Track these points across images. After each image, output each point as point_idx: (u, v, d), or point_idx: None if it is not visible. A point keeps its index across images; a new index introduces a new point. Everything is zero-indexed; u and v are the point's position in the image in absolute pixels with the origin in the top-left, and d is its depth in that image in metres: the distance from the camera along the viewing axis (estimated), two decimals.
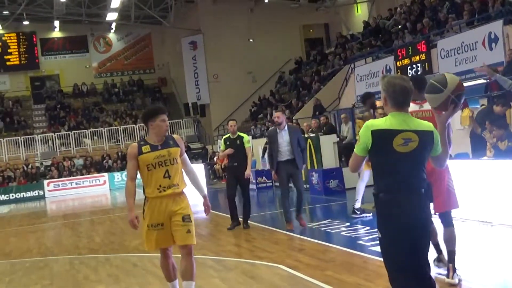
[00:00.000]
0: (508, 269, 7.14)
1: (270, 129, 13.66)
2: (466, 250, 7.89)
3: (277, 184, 20.16)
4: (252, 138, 25.38)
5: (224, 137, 12.34)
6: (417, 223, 4.31)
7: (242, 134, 12.12)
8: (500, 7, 17.70)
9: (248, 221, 12.08)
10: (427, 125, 4.40)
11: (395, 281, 4.38)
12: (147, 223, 6.22)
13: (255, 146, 23.57)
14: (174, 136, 6.46)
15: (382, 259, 4.50)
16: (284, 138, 11.20)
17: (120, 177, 30.83)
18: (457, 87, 4.80)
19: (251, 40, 34.30)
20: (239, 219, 12.07)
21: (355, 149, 4.45)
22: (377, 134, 4.28)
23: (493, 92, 13.88)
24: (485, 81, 15.66)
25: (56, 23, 38.30)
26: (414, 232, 4.30)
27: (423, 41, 20.13)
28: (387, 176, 4.33)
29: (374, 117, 8.45)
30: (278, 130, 11.30)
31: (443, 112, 4.76)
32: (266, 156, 12.40)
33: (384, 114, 4.56)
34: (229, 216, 12.19)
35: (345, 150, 17.28)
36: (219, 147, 12.65)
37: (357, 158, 4.45)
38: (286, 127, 11.36)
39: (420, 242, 4.35)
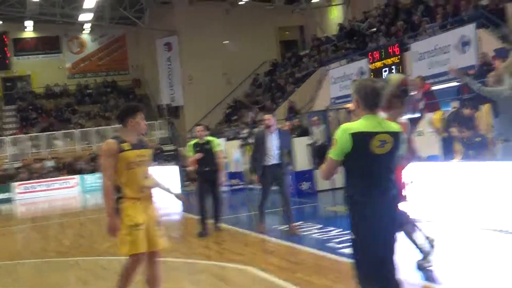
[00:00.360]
0: (479, 271, 7.13)
1: (257, 130, 13.45)
2: (436, 252, 7.87)
3: (252, 186, 20.11)
4: (227, 140, 25.36)
5: (191, 142, 11.99)
6: (389, 223, 4.39)
7: (211, 138, 11.89)
8: (472, 11, 17.81)
9: (220, 223, 11.93)
10: (396, 126, 4.50)
11: (365, 281, 4.40)
12: (130, 224, 5.80)
13: (229, 148, 23.51)
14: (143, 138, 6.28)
15: (352, 261, 4.49)
16: (273, 142, 10.86)
17: (91, 179, 30.46)
18: (400, 83, 4.91)
19: (226, 42, 34.21)
20: (210, 221, 11.90)
21: (330, 154, 4.40)
22: (356, 137, 4.29)
23: (465, 95, 13.95)
24: (458, 83, 15.75)
25: (29, 23, 37.78)
26: (386, 232, 4.38)
27: (397, 44, 20.18)
28: (364, 178, 4.35)
29: None
30: (267, 133, 10.96)
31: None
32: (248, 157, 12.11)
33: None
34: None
35: (318, 152, 17.25)
36: (187, 153, 12.28)
37: (333, 163, 4.41)
38: (277, 131, 11.07)
39: (391, 242, 4.42)
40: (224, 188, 20.44)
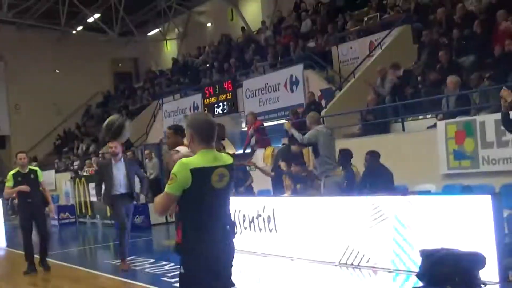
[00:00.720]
0: None
1: (102, 160, 12.95)
2: (267, 285, 8.16)
3: (83, 220, 19.65)
4: (56, 172, 24.57)
5: (12, 172, 10.96)
6: (223, 257, 4.37)
7: (34, 168, 11.26)
8: (300, 52, 18.79)
9: (46, 262, 11.06)
10: (230, 159, 4.49)
11: None
12: None
13: (59, 180, 22.84)
14: None
15: None
16: (120, 170, 10.44)
17: None
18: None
19: (57, 71, 33.24)
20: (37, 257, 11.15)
21: (168, 189, 4.24)
22: (197, 172, 4.21)
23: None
24: (286, 121, 16.47)
25: None
26: (219, 266, 4.34)
27: (230, 81, 20.76)
28: (203, 213, 4.28)
29: (220, 149, 8.64)
30: (113, 162, 10.51)
31: None
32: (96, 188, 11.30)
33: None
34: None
35: (151, 186, 17.21)
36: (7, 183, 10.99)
37: (171, 198, 4.26)
38: (122, 159, 10.62)
39: (225, 275, 4.40)
40: (53, 222, 19.85)
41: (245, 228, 10.74)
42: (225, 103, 20.60)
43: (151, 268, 10.23)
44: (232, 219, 4.54)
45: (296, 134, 10.47)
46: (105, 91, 33.80)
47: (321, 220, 9.30)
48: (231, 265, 4.45)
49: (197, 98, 22.24)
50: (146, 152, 19.10)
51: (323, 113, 14.60)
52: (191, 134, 4.42)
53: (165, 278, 9.18)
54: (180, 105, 23.23)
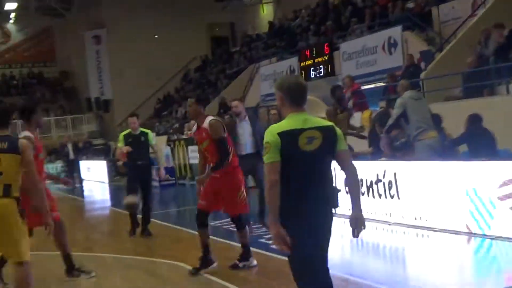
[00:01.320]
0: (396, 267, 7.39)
1: (227, 120, 12.48)
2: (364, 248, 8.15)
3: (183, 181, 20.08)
4: (156, 135, 25.21)
5: (123, 133, 11.05)
6: (321, 221, 4.33)
7: (146, 130, 11.16)
8: (399, 13, 18.32)
9: (148, 227, 10.98)
10: (326, 122, 4.44)
11: (301, 278, 4.33)
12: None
13: (159, 143, 23.44)
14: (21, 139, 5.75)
15: (283, 258, 4.45)
16: (245, 129, 10.03)
17: None
18: None
19: (156, 36, 33.98)
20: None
21: (267, 159, 4.21)
22: (284, 136, 4.19)
23: (391, 95, 14.36)
24: (384, 84, 16.21)
25: None
26: (319, 230, 4.31)
27: (326, 43, 20.55)
28: (293, 177, 4.23)
29: (337, 113, 8.71)
30: (237, 121, 10.13)
31: None
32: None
33: (278, 114, 4.60)
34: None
35: None
36: (118, 143, 11.27)
37: (274, 165, 4.21)
38: (247, 117, 10.18)
39: (324, 239, 4.37)
40: (154, 184, 20.47)
41: (363, 194, 10.21)
42: (321, 66, 20.45)
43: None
44: (334, 185, 4.41)
45: (388, 124, 10.42)
46: (202, 55, 34.27)
47: (419, 184, 9.13)
48: (330, 233, 4.38)
49: (293, 61, 22.19)
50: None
51: (422, 75, 14.30)
52: (281, 97, 4.38)
53: (263, 240, 9.32)
54: (277, 68, 23.25)
